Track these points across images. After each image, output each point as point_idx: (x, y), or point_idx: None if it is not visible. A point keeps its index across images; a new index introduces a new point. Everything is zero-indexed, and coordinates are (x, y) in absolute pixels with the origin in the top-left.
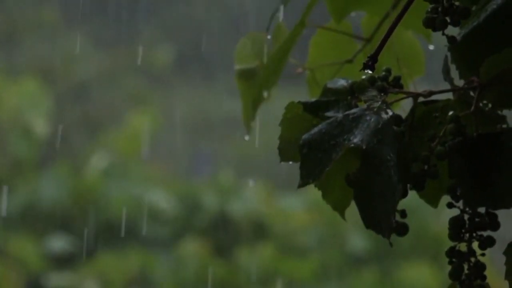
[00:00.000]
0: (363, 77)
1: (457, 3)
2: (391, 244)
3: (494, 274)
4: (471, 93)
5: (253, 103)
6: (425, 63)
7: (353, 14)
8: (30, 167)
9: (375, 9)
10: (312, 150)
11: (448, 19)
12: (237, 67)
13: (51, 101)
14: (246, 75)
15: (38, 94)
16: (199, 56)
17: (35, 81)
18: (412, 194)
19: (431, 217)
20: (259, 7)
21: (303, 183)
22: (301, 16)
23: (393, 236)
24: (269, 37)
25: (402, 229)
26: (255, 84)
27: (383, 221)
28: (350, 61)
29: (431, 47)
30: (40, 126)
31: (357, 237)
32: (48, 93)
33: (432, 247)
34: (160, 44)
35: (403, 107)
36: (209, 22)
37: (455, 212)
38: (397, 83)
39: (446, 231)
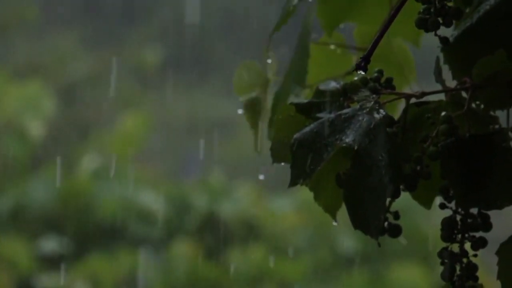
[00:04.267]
0: (355, 78)
1: (449, 4)
2: (379, 244)
3: (484, 274)
4: (464, 94)
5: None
6: (416, 65)
7: (341, 26)
8: (21, 168)
9: (365, 19)
10: (304, 149)
11: (440, 20)
12: (241, 99)
13: (51, 104)
14: (251, 105)
15: (37, 96)
16: (190, 58)
17: (35, 84)
18: (403, 195)
19: (421, 218)
20: (251, 8)
21: (294, 182)
22: (300, 43)
23: (384, 237)
24: (269, 61)
25: (395, 231)
26: (260, 112)
27: (373, 220)
28: (350, 73)
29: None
30: (35, 128)
31: (347, 238)
32: (48, 96)
33: (423, 248)
34: (151, 45)
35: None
36: (201, 23)
37: (446, 213)
38: (389, 84)
39: (437, 232)
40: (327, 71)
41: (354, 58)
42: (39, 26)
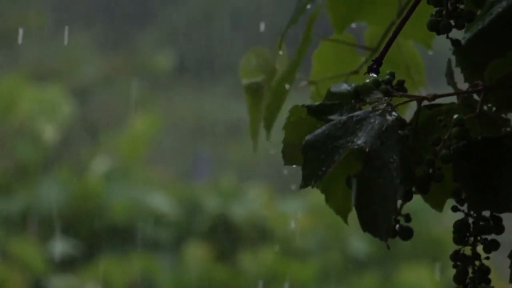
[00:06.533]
0: (367, 80)
1: (461, 7)
2: (388, 247)
3: (497, 277)
4: (475, 97)
5: (266, 124)
6: (427, 68)
7: (354, 25)
8: (34, 170)
9: (376, 20)
10: (315, 151)
11: (452, 22)
12: (244, 82)
13: (68, 109)
14: (253, 90)
15: (54, 101)
16: (200, 60)
17: (53, 88)
18: (414, 198)
19: (432, 220)
20: (260, 10)
21: (305, 184)
22: (304, 33)
23: (395, 239)
24: (281, 52)
25: (407, 233)
26: (261, 99)
27: (383, 223)
28: (355, 72)
29: (430, 52)
30: (50, 132)
31: (358, 240)
32: (65, 100)
33: (434, 250)
34: (161, 48)
35: (407, 111)
36: (211, 25)
37: (456, 215)
38: (401, 87)
39: (448, 234)
40: (332, 69)
41: (362, 58)
42: (51, 29)
